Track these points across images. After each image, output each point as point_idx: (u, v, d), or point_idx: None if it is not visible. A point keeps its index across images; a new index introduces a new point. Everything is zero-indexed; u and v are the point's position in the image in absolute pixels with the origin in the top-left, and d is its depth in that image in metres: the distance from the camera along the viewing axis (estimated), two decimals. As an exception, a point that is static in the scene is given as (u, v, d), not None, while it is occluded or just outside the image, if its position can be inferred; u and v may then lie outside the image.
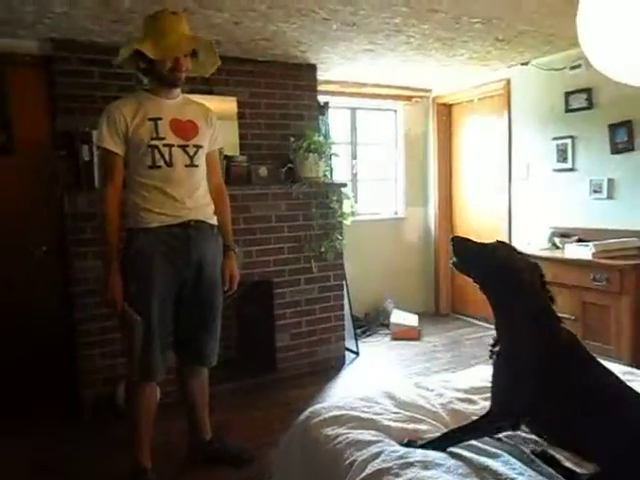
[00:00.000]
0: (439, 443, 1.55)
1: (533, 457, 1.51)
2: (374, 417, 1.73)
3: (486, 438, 1.60)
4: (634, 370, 2.13)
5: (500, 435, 1.63)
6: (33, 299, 3.32)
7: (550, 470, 1.46)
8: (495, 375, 1.54)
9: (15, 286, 3.27)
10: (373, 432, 1.64)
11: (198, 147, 2.29)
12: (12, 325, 3.21)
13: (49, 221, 3.32)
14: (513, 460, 1.49)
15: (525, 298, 1.46)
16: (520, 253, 1.55)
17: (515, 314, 1.48)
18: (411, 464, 1.43)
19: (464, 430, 1.56)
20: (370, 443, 1.56)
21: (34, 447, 2.76)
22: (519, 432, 1.62)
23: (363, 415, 1.74)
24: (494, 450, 1.54)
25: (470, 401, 1.86)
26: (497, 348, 1.52)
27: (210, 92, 3.53)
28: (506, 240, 4.48)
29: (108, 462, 2.57)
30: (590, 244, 3.36)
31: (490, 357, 1.54)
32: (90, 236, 3.02)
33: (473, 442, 1.57)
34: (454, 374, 2.26)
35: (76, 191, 3.09)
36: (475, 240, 1.59)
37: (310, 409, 1.86)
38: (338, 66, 4.14)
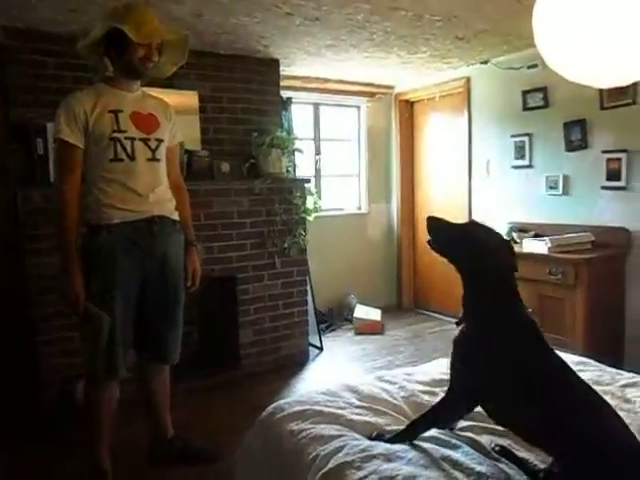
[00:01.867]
0: (405, 435, 1.57)
1: (490, 449, 1.55)
2: (337, 411, 1.74)
3: (447, 431, 1.63)
4: (586, 360, 2.21)
5: (460, 427, 1.67)
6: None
7: (507, 462, 1.49)
8: (453, 354, 1.55)
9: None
10: (336, 426, 1.65)
11: (159, 141, 2.26)
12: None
13: (1, 217, 3.20)
14: (472, 451, 1.52)
15: (492, 280, 1.48)
16: (492, 232, 1.56)
17: (480, 295, 1.50)
18: (373, 457, 1.45)
19: (426, 417, 1.58)
20: (333, 437, 1.57)
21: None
22: (478, 423, 1.66)
23: (326, 410, 1.74)
24: (455, 442, 1.57)
25: (432, 393, 1.89)
26: (461, 327, 1.53)
27: (170, 86, 3.47)
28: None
29: (67, 462, 2.51)
30: (546, 239, 3.46)
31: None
32: (45, 232, 2.93)
33: (435, 434, 1.59)
34: (416, 367, 2.30)
35: (30, 186, 2.99)
36: (448, 220, 1.60)
37: (273, 405, 1.85)
38: (301, 61, 4.13)
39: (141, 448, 2.53)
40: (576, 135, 3.73)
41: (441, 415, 1.58)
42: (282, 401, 1.88)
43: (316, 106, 5.09)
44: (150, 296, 2.28)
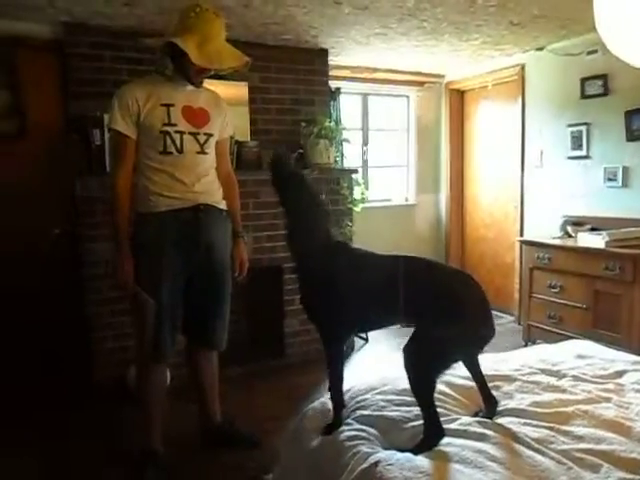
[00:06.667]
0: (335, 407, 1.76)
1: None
2: (377, 409, 1.75)
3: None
4: (644, 360, 2.11)
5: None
6: (45, 282, 3.35)
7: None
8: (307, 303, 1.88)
9: (28, 268, 3.30)
10: (377, 423, 1.66)
11: (209, 135, 2.29)
12: (24, 308, 3.25)
13: (61, 204, 3.34)
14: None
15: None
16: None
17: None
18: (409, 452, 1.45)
19: (330, 370, 1.84)
20: (373, 435, 1.59)
21: (45, 429, 2.81)
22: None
23: (366, 407, 1.77)
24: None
25: (472, 388, 1.86)
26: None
27: (221, 77, 3.51)
28: (518, 228, 4.46)
29: (119, 444, 2.62)
30: (603, 233, 3.32)
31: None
32: (101, 219, 3.05)
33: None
34: (459, 362, 2.25)
35: (88, 175, 3.11)
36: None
37: (318, 399, 1.88)
38: (350, 51, 4.10)
39: (192, 431, 2.59)
40: (638, 124, 3.55)
41: (333, 359, 1.84)
42: (321, 400, 1.91)
43: (365, 96, 5.04)
44: (198, 284, 2.33)
